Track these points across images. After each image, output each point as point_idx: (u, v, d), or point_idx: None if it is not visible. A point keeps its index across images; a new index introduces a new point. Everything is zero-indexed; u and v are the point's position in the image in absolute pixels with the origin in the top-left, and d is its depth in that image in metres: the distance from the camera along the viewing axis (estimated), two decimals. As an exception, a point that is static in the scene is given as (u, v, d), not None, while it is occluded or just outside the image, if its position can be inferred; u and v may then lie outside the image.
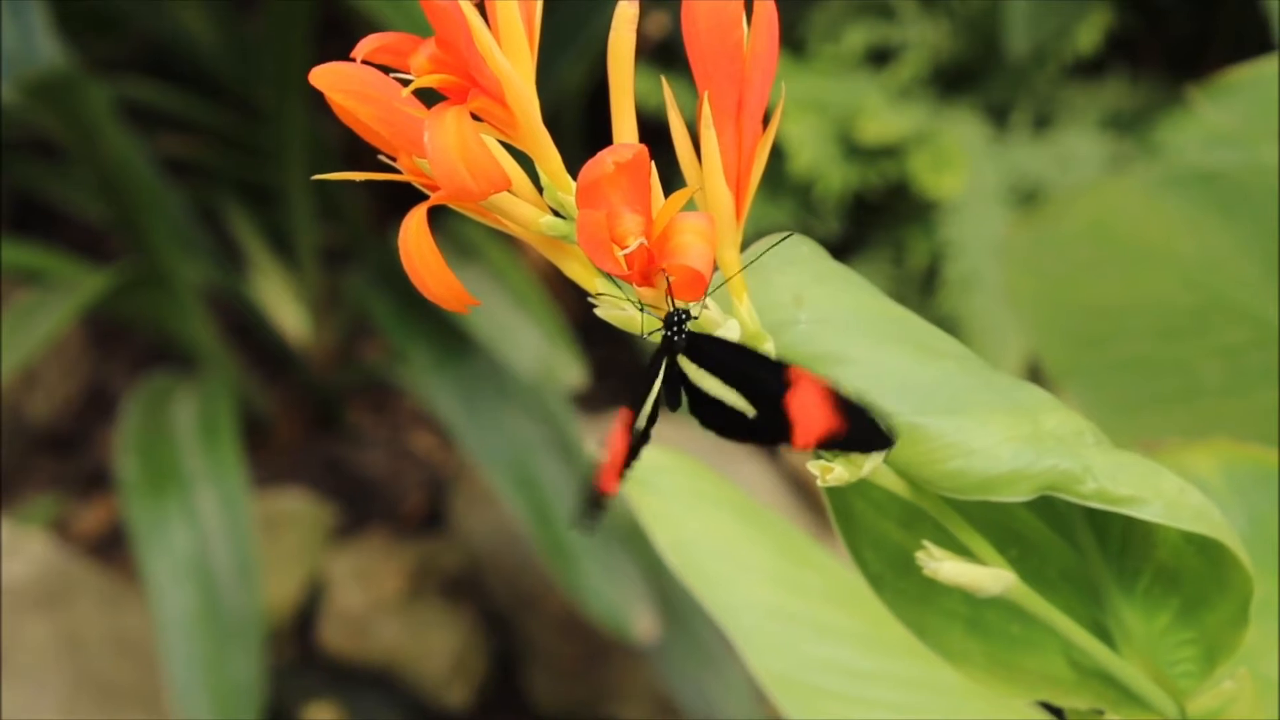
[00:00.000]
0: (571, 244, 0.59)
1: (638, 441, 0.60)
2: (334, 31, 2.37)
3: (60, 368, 2.40)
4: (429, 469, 2.32)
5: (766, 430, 0.59)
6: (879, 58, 2.33)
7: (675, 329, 0.58)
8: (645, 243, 0.55)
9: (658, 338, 0.59)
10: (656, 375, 0.60)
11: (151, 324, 2.17)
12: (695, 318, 0.59)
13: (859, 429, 0.58)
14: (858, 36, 2.28)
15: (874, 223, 2.30)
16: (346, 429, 2.35)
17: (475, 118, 0.56)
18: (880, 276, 2.21)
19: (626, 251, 0.55)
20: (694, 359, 0.59)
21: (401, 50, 0.58)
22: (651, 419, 0.60)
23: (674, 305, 0.58)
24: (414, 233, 0.57)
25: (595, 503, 0.59)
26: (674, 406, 0.60)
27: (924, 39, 2.29)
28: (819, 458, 0.63)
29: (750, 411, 0.59)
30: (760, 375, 0.59)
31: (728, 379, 0.59)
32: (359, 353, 2.40)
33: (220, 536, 1.83)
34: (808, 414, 0.58)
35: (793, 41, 2.30)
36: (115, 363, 2.43)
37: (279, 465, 2.29)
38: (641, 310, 0.59)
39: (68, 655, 2.00)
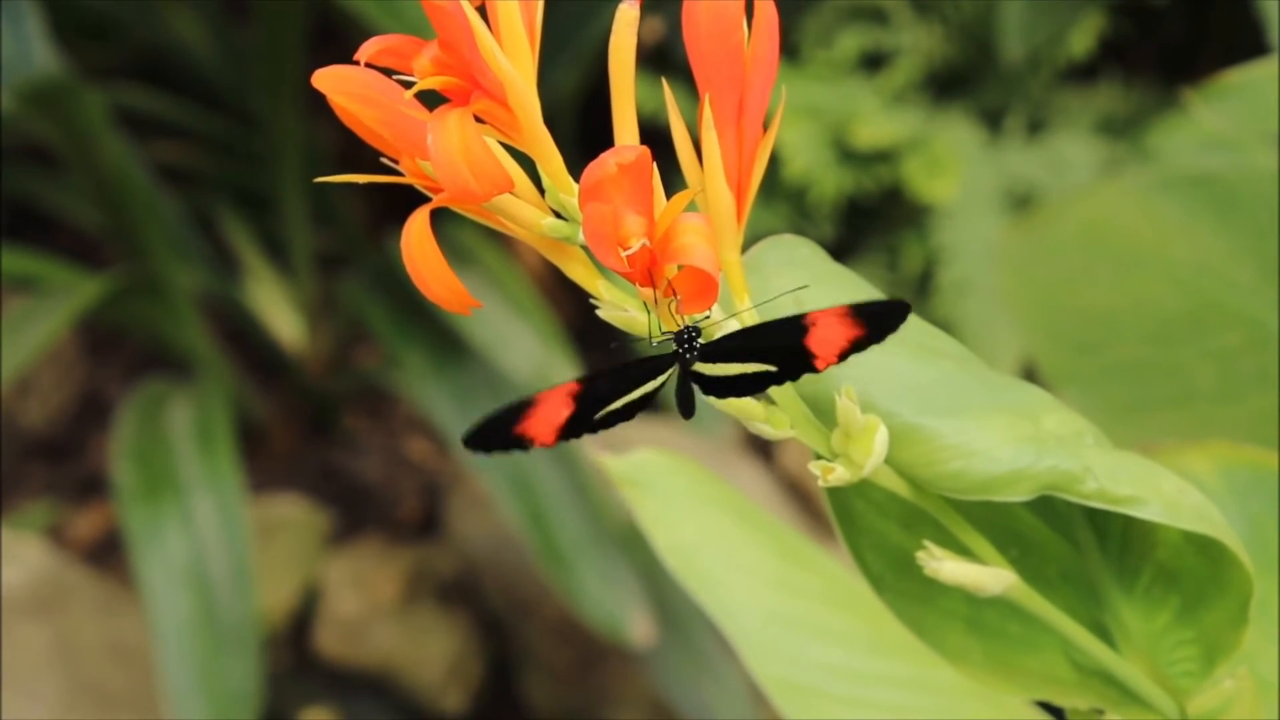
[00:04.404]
0: (573, 245, 0.60)
1: (579, 422, 0.60)
2: (328, 38, 2.37)
3: (55, 374, 2.40)
4: (424, 474, 2.32)
5: (787, 372, 0.60)
6: (872, 63, 2.33)
7: (688, 347, 0.59)
8: (648, 244, 0.55)
9: (668, 344, 0.59)
10: (641, 380, 0.60)
11: (146, 330, 2.17)
12: (701, 330, 0.59)
13: (876, 318, 0.58)
14: (851, 42, 2.28)
15: (868, 228, 2.30)
16: (342, 435, 2.35)
17: (478, 120, 0.56)
18: (874, 281, 2.21)
19: (629, 253, 0.55)
20: (711, 360, 0.59)
21: (403, 53, 0.58)
22: (619, 413, 0.61)
23: (682, 321, 0.58)
24: (416, 235, 0.57)
25: (511, 441, 0.59)
26: (688, 415, 0.61)
27: (917, 44, 2.29)
28: (819, 457, 0.63)
29: (772, 369, 0.59)
30: (781, 340, 0.59)
31: (748, 359, 0.59)
32: (354, 358, 2.40)
33: (216, 542, 1.83)
34: (827, 340, 0.58)
35: (786, 47, 2.30)
36: (110, 369, 2.43)
37: (274, 471, 2.29)
38: (648, 312, 0.59)
39: (63, 662, 2.00)
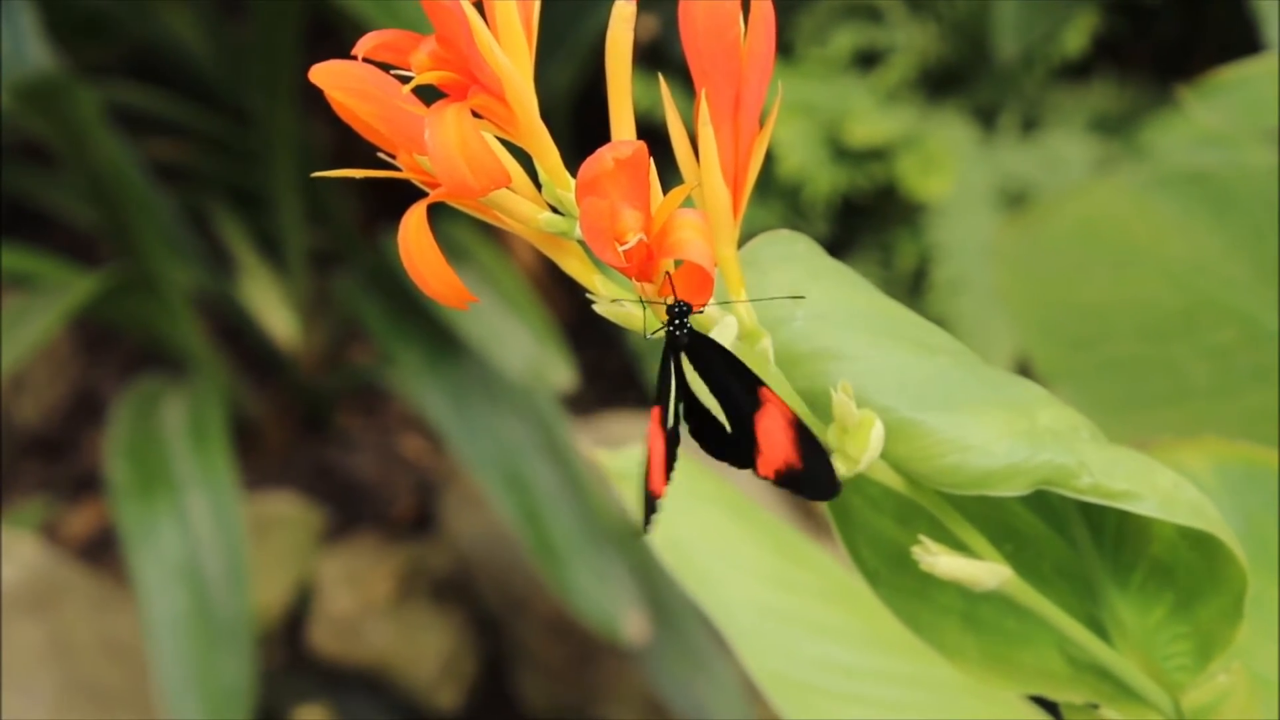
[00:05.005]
0: (570, 240, 0.60)
1: (670, 441, 0.60)
2: (323, 35, 2.37)
3: (49, 371, 2.39)
4: (418, 472, 2.32)
5: (738, 451, 0.60)
6: (867, 60, 2.33)
7: (677, 323, 0.59)
8: (644, 239, 0.56)
9: (661, 336, 0.59)
10: (670, 372, 0.60)
11: (141, 328, 2.17)
12: (698, 311, 0.59)
13: (813, 468, 0.59)
14: (845, 39, 2.28)
15: (862, 225, 2.30)
16: (336, 432, 2.35)
17: (475, 115, 0.56)
18: (869, 279, 2.21)
19: (626, 247, 0.55)
20: (691, 359, 0.60)
21: (401, 48, 0.58)
22: (677, 417, 0.61)
23: (674, 299, 0.58)
24: (414, 229, 0.58)
25: (650, 505, 0.59)
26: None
27: (911, 42, 2.29)
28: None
29: (728, 427, 0.60)
30: (735, 388, 0.59)
31: (712, 387, 0.60)
32: (348, 356, 2.40)
33: (210, 540, 1.83)
34: (771, 442, 0.59)
35: (781, 45, 2.30)
36: (104, 367, 2.43)
37: (269, 469, 2.29)
38: (644, 307, 0.59)
39: (58, 659, 2.00)
